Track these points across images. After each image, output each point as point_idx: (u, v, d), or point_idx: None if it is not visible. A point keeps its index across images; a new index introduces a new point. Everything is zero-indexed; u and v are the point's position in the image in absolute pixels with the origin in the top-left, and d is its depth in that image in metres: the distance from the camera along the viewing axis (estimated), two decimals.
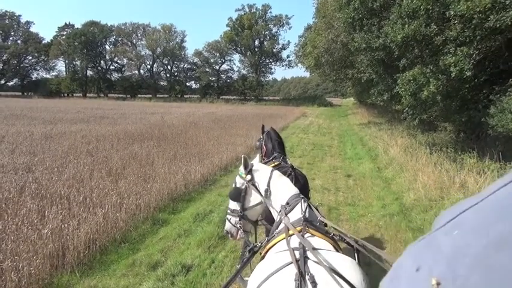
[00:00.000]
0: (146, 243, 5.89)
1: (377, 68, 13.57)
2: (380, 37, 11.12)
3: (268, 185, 3.02)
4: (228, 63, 79.19)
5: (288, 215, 2.65)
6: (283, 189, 2.97)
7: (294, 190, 2.88)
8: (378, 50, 11.79)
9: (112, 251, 5.51)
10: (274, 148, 4.83)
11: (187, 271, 4.95)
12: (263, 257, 2.46)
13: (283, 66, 73.87)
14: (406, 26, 9.40)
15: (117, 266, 5.11)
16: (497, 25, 7.97)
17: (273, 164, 4.27)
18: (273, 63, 73.78)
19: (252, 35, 68.82)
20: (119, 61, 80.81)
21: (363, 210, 7.64)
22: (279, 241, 2.41)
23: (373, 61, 13.00)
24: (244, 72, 75.03)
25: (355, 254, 2.54)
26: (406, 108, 11.50)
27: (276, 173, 3.11)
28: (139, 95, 76.22)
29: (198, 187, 8.99)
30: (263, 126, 5.35)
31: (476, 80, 10.02)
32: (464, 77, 8.98)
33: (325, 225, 2.68)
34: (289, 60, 70.76)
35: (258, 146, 5.24)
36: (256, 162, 3.30)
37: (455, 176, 8.29)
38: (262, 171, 3.15)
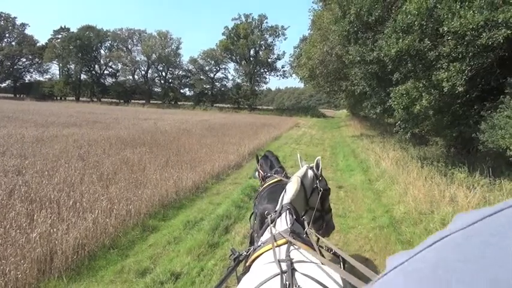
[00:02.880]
0: (135, 249, 5.85)
1: (370, 81, 13.69)
2: (374, 50, 11.24)
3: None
4: (223, 71, 79.45)
5: (275, 226, 2.68)
6: (284, 196, 3.02)
7: (287, 199, 2.91)
8: (371, 63, 11.91)
9: (101, 256, 5.46)
10: (273, 164, 4.90)
11: (176, 279, 4.92)
12: (248, 268, 2.44)
13: (277, 76, 74.47)
14: (400, 40, 9.52)
15: (106, 272, 5.06)
16: (490, 42, 8.09)
17: (275, 179, 4.33)
18: (267, 73, 74.14)
19: (247, 44, 69.12)
20: (113, 66, 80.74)
21: (353, 222, 7.65)
22: (265, 251, 2.41)
23: (367, 74, 13.13)
24: (238, 81, 75.31)
25: (340, 264, 2.56)
26: (399, 122, 11.61)
27: (294, 175, 3.32)
28: (132, 101, 76.09)
29: (189, 194, 8.96)
30: (257, 156, 5.39)
31: (467, 96, 10.15)
32: (456, 92, 9.10)
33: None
34: (284, 71, 71.18)
35: (255, 176, 5.33)
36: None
37: (446, 190, 8.35)
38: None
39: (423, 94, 9.91)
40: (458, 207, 7.22)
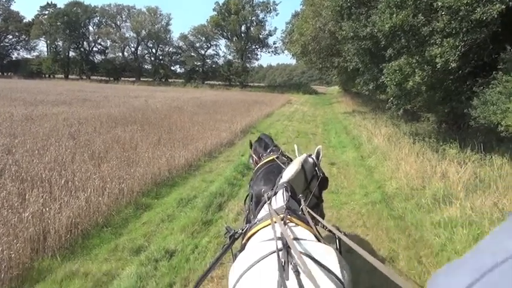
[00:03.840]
0: (129, 227, 5.85)
1: (363, 57, 13.59)
2: (367, 26, 11.13)
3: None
4: (214, 48, 78.50)
5: (271, 203, 2.67)
6: (283, 175, 3.03)
7: (285, 178, 2.90)
8: (365, 39, 11.81)
9: (94, 235, 5.46)
10: (268, 144, 4.84)
11: (171, 256, 4.94)
12: (244, 245, 2.44)
13: (269, 52, 73.44)
14: (394, 15, 9.40)
15: (100, 250, 5.07)
16: (484, 18, 8.03)
17: (270, 157, 4.28)
18: (259, 50, 73.27)
19: (238, 20, 68.07)
20: (102, 43, 79.13)
21: (345, 198, 7.70)
22: (261, 229, 2.40)
23: (360, 50, 13.03)
24: (230, 57, 74.42)
25: (337, 242, 2.56)
26: (391, 98, 11.59)
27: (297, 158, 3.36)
28: (122, 78, 74.88)
29: (182, 172, 8.95)
30: (250, 142, 5.32)
31: (460, 72, 10.12)
32: (449, 68, 9.06)
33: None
34: (276, 47, 70.37)
35: (250, 163, 5.28)
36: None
37: (437, 165, 8.41)
38: None
39: (416, 70, 9.86)
40: (450, 183, 7.29)
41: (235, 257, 2.48)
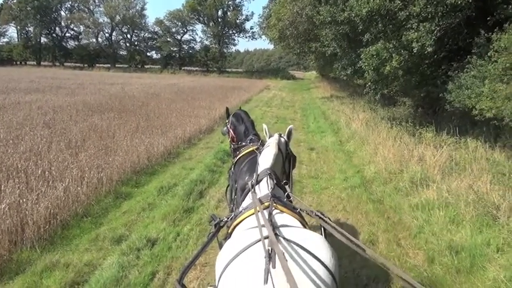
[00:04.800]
0: (109, 217, 5.78)
1: (341, 42, 13.67)
2: (345, 11, 11.14)
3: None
4: (191, 33, 77.28)
5: (255, 191, 2.66)
6: (261, 161, 2.98)
7: (267, 164, 2.87)
8: (342, 24, 11.85)
9: (74, 225, 5.37)
10: (248, 130, 4.65)
11: (153, 245, 4.90)
12: (230, 234, 2.42)
13: (246, 37, 72.86)
14: (372, 0, 9.43)
15: (80, 240, 4.99)
16: (458, 2, 8.15)
17: (250, 148, 4.20)
18: (236, 35, 72.53)
19: (215, 4, 67.08)
20: (75, 28, 76.80)
21: (325, 183, 7.79)
22: (247, 217, 2.38)
23: (338, 35, 13.09)
24: (207, 43, 73.46)
25: (321, 228, 2.57)
26: (369, 83, 11.70)
27: (270, 140, 3.25)
28: (97, 65, 73.08)
29: (162, 160, 8.87)
30: (227, 109, 5.19)
31: (435, 56, 10.29)
32: (426, 52, 9.21)
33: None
34: (253, 32, 69.74)
35: (224, 132, 5.05)
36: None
37: (414, 149, 8.57)
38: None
39: (393, 55, 9.98)
40: (427, 166, 7.44)
41: (220, 246, 2.47)
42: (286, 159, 3.28)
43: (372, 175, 7.95)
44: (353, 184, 7.52)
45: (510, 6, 8.12)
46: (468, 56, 8.97)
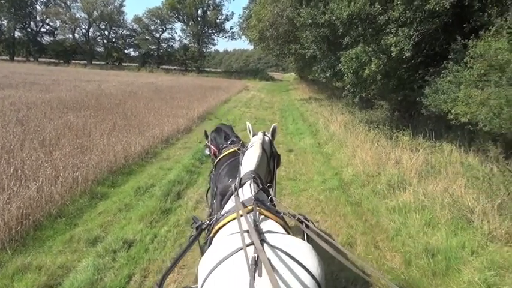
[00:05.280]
0: (84, 218, 5.63)
1: (321, 44, 13.75)
2: (326, 13, 11.21)
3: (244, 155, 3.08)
4: (170, 31, 76.48)
5: (238, 194, 2.60)
6: (245, 162, 2.92)
7: (251, 166, 2.82)
8: (323, 27, 11.91)
9: (47, 226, 5.20)
10: (228, 134, 4.63)
11: (129, 246, 4.80)
12: (212, 239, 2.35)
13: (226, 37, 72.94)
14: (352, 3, 9.53)
15: (53, 242, 4.84)
16: (437, 8, 8.28)
17: (231, 149, 4.14)
18: (215, 34, 72.26)
19: (195, 3, 66.65)
20: (51, 23, 74.88)
21: (304, 185, 7.80)
22: (229, 221, 2.31)
23: (318, 37, 13.16)
24: (186, 42, 72.90)
25: (304, 232, 2.54)
26: (348, 86, 11.81)
27: (254, 139, 3.18)
28: (73, 61, 71.50)
29: (139, 160, 8.73)
30: (205, 132, 5.09)
31: (413, 61, 10.44)
32: (404, 57, 9.32)
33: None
34: (233, 32, 69.62)
35: (206, 153, 4.94)
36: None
37: (391, 152, 8.68)
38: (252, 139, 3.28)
39: (372, 58, 10.09)
40: (403, 169, 7.54)
41: (201, 250, 2.41)
42: (270, 158, 3.24)
43: (350, 177, 8.01)
44: (331, 186, 7.56)
45: (486, 14, 8.32)
46: (445, 62, 9.14)
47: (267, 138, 3.33)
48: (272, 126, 3.46)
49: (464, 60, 8.16)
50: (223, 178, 3.73)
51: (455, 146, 8.59)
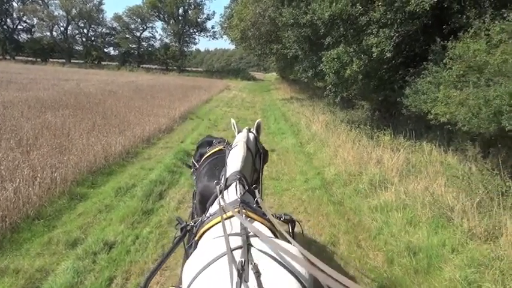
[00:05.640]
0: (63, 219, 5.51)
1: (303, 44, 13.79)
2: (308, 13, 11.25)
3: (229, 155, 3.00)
4: (150, 30, 75.67)
5: (224, 196, 2.54)
6: (230, 162, 2.87)
7: (236, 167, 2.77)
8: (305, 27, 11.96)
9: (25, 228, 5.06)
10: (211, 141, 4.48)
11: (110, 248, 4.72)
12: (197, 242, 2.28)
13: (207, 37, 72.25)
14: (334, 4, 9.59)
15: (31, 244, 4.72)
16: (417, 10, 8.39)
17: (216, 148, 4.08)
18: (197, 34, 71.84)
19: (175, 2, 66.11)
20: (28, 21, 73.23)
21: (286, 185, 7.81)
22: (215, 224, 2.24)
23: (300, 37, 13.19)
24: (167, 41, 72.19)
25: (290, 231, 2.51)
26: (330, 86, 11.87)
27: (238, 137, 3.11)
28: (51, 59, 70.00)
29: (119, 160, 8.61)
30: (186, 164, 4.86)
31: (393, 62, 10.57)
32: (384, 57, 9.43)
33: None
34: (214, 32, 69.32)
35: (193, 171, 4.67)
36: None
37: (372, 152, 8.77)
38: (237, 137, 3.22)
39: (354, 59, 10.17)
40: (385, 169, 7.62)
41: (186, 253, 2.37)
42: (256, 156, 3.19)
43: (332, 177, 8.05)
44: (314, 186, 7.59)
45: (464, 16, 8.47)
46: (424, 63, 9.27)
47: (252, 136, 3.28)
48: (256, 122, 3.43)
49: (444, 61, 8.30)
50: (203, 177, 3.66)
51: (435, 145, 8.73)
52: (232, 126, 3.45)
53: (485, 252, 4.36)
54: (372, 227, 5.64)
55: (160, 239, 5.09)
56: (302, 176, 8.41)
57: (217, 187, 2.64)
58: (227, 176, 2.72)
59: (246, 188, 2.61)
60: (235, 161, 2.85)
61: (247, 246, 1.76)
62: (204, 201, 3.38)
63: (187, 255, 2.35)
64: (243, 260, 1.65)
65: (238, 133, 3.32)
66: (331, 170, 8.43)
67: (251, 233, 1.93)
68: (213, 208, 2.53)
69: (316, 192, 7.26)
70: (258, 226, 2.15)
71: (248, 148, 3.04)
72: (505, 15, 7.41)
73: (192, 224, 2.54)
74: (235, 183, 2.61)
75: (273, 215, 2.40)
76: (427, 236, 4.98)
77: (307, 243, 4.88)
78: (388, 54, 9.21)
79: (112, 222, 5.48)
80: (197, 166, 4.41)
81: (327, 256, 4.74)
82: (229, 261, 1.66)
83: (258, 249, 1.79)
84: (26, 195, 5.53)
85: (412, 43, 10.42)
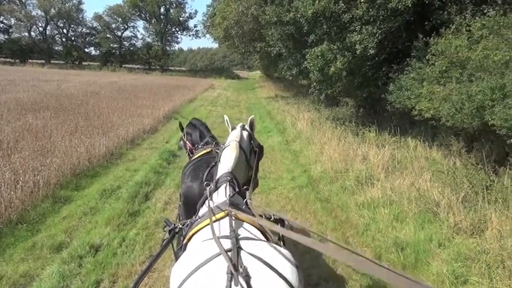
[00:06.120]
0: (47, 223, 5.42)
1: (287, 42, 13.83)
2: (291, 11, 11.30)
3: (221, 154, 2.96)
4: (132, 29, 74.81)
5: (213, 198, 2.52)
6: (222, 163, 2.84)
7: (227, 167, 2.75)
8: (288, 24, 12.00)
9: (7, 233, 4.96)
10: (203, 133, 4.53)
11: (96, 251, 4.66)
12: (185, 245, 2.25)
13: (190, 36, 71.90)
14: (316, 1, 9.61)
15: (14, 249, 4.62)
16: (399, 6, 8.49)
17: (204, 151, 4.06)
18: (179, 33, 71.43)
19: (157, 1, 65.62)
20: (5, 21, 71.93)
21: (273, 183, 7.81)
22: (204, 227, 2.21)
23: (284, 35, 13.23)
24: (149, 40, 71.62)
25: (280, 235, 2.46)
26: (314, 83, 11.92)
27: (231, 136, 3.07)
28: (30, 60, 68.85)
29: (103, 161, 8.50)
30: (180, 124, 4.94)
31: (377, 58, 10.67)
32: (368, 54, 9.52)
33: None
34: (197, 31, 68.99)
35: (181, 145, 4.82)
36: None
37: (358, 149, 8.82)
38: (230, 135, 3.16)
39: (337, 56, 10.23)
40: (371, 165, 7.66)
41: (175, 255, 2.33)
42: (250, 155, 3.15)
43: (318, 174, 8.09)
44: (300, 184, 7.61)
45: (446, 12, 8.60)
46: (407, 59, 9.37)
47: (245, 133, 3.22)
48: (249, 119, 3.36)
49: (426, 57, 8.42)
50: (186, 178, 3.62)
51: (420, 141, 8.84)
52: (226, 123, 3.38)
53: (472, 246, 4.42)
54: (360, 223, 5.68)
55: (147, 240, 5.04)
56: (289, 174, 8.43)
57: (208, 188, 2.61)
58: (217, 177, 2.69)
59: (236, 189, 2.58)
60: (227, 161, 2.82)
61: (237, 249, 1.74)
62: (187, 202, 3.39)
63: (176, 258, 2.33)
64: (232, 264, 1.63)
65: (231, 130, 3.25)
66: (317, 167, 8.46)
67: (241, 236, 1.92)
68: (202, 210, 2.51)
69: (303, 190, 7.29)
70: (249, 229, 2.13)
71: (241, 147, 3.00)
72: (485, 11, 7.55)
73: (181, 226, 2.51)
74: (225, 184, 2.59)
75: (261, 215, 2.38)
76: (414, 231, 5.04)
77: (295, 242, 4.89)
78: (372, 51, 9.29)
79: (97, 224, 5.41)
80: (188, 145, 4.52)
81: (315, 254, 4.75)
82: (221, 264, 1.65)
83: (248, 252, 1.76)
84: (8, 200, 5.42)
85: (395, 40, 10.52)
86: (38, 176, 6.35)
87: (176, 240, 2.63)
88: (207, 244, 1.91)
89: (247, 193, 2.64)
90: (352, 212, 6.04)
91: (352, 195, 6.64)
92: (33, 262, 4.38)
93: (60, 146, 8.27)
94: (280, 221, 2.45)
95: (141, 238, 5.10)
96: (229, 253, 1.72)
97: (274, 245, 1.93)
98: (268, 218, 2.43)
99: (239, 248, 1.77)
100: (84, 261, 4.40)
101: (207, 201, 2.48)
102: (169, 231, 2.48)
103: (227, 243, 1.82)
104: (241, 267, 1.64)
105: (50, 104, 14.00)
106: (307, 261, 4.48)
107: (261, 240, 2.02)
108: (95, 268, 4.29)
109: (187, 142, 4.60)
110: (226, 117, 3.48)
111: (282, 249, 1.88)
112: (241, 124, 3.32)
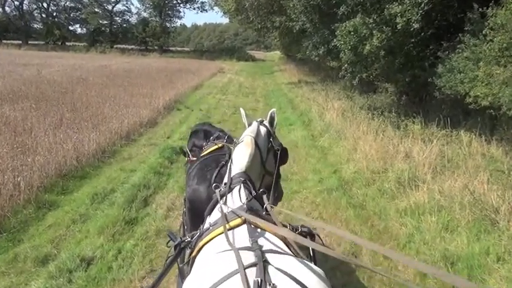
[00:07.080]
0: (31, 232, 5.61)
1: (312, 15, 13.82)
2: None
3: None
4: (124, 3, 75.52)
5: (226, 202, 2.49)
6: (234, 161, 2.87)
7: (240, 167, 2.78)
8: None
9: None
10: (208, 132, 4.59)
11: (88, 265, 4.81)
12: (194, 259, 2.24)
13: (194, 9, 72.21)
14: None
15: None
16: None
17: (215, 146, 4.12)
18: (181, 5, 71.81)
19: None
20: None
21: (297, 186, 7.88)
22: (216, 236, 2.19)
23: (308, 7, 13.22)
24: (145, 15, 72.17)
25: (310, 249, 2.39)
26: (345, 65, 11.91)
27: (247, 132, 3.10)
28: (4, 41, 70.26)
29: (94, 160, 8.69)
30: (182, 149, 5.01)
31: (422, 34, 10.58)
32: (411, 29, 9.46)
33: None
34: (203, 2, 69.37)
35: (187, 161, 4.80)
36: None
37: (400, 144, 8.82)
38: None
39: (374, 32, 10.20)
40: (415, 164, 7.67)
41: (180, 272, 2.35)
42: (268, 155, 3.17)
43: (351, 175, 8.12)
44: (329, 186, 7.66)
45: None
46: (460, 34, 9.28)
47: (263, 129, 3.23)
48: (269, 113, 3.35)
49: (483, 32, 8.33)
50: (192, 180, 3.67)
51: (475, 134, 8.77)
52: (242, 118, 3.41)
53: None
54: (401, 233, 5.72)
55: (147, 252, 5.18)
56: (315, 175, 8.49)
57: (217, 191, 2.62)
58: (232, 177, 2.71)
59: (253, 192, 2.57)
60: (240, 159, 2.84)
61: (263, 263, 1.71)
62: (193, 208, 3.44)
63: (182, 275, 2.37)
64: (259, 279, 1.61)
65: (248, 126, 3.27)
66: (350, 167, 8.49)
67: (264, 247, 1.90)
68: (214, 217, 2.51)
69: (333, 194, 7.33)
70: (272, 239, 2.10)
71: (257, 145, 3.00)
72: None
73: (189, 239, 2.46)
74: (238, 186, 2.60)
75: (286, 226, 2.36)
76: (467, 243, 5.06)
77: (324, 255, 4.96)
78: (416, 25, 9.23)
79: (89, 234, 5.57)
80: (190, 157, 4.54)
81: (347, 269, 4.83)
82: (243, 281, 1.62)
83: (277, 268, 1.72)
84: None
85: (445, 11, 10.42)
86: (18, 178, 6.54)
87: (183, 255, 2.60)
88: (224, 257, 1.88)
89: (264, 197, 2.62)
90: (392, 220, 6.08)
91: (392, 200, 6.67)
92: (16, 277, 4.56)
93: (43, 142, 8.48)
94: (309, 235, 2.42)
95: (140, 250, 5.23)
96: (253, 268, 1.69)
97: (304, 261, 1.90)
98: (295, 230, 2.40)
99: (265, 262, 1.73)
100: (74, 276, 4.55)
101: (217, 206, 2.49)
102: (175, 247, 2.43)
103: (249, 256, 1.79)
104: (269, 285, 1.60)
105: (29, 93, 14.30)
106: (338, 278, 4.56)
107: (288, 254, 1.98)
108: (87, 284, 4.44)
109: (194, 159, 4.47)
110: (242, 111, 3.47)
111: (314, 267, 1.87)
112: (259, 119, 3.34)
